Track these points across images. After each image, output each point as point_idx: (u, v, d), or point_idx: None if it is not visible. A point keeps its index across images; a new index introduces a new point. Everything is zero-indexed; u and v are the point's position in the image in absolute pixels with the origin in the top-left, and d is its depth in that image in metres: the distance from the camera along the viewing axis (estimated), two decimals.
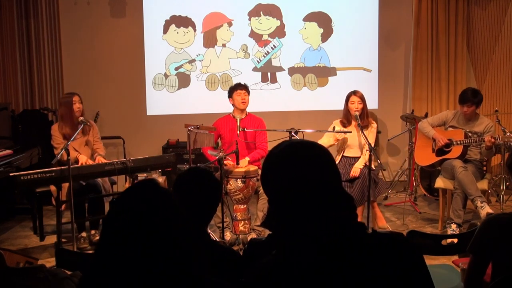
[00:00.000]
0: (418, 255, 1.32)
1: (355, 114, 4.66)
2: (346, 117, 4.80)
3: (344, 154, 4.83)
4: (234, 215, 4.51)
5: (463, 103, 4.72)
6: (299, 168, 1.31)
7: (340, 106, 4.90)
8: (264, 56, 6.68)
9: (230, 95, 4.87)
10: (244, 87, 4.84)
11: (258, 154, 4.83)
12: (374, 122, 4.87)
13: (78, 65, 6.48)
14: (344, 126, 4.79)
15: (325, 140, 4.72)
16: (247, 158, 4.68)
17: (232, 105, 4.88)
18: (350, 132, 4.65)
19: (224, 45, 6.65)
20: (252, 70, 6.69)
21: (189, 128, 4.32)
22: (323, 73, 6.74)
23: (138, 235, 1.30)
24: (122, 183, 5.70)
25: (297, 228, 1.28)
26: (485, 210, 4.27)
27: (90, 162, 4.58)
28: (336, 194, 1.31)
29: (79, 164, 4.47)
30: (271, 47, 6.68)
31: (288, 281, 1.25)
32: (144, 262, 1.30)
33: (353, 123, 4.77)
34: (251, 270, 1.34)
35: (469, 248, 2.21)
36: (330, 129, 4.77)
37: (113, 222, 1.35)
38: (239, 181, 4.44)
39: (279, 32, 6.67)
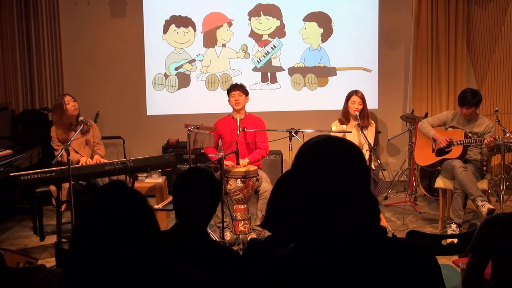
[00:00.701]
0: (436, 267, 1.31)
1: (355, 114, 4.66)
2: (345, 116, 4.80)
3: None
4: (234, 215, 4.51)
5: (463, 104, 4.72)
6: (334, 164, 1.28)
7: (340, 106, 4.90)
8: (264, 56, 6.68)
9: (228, 95, 4.86)
10: (238, 88, 4.80)
11: (258, 154, 4.82)
12: (373, 122, 4.87)
13: (78, 65, 6.48)
14: (343, 124, 4.78)
15: None
16: (247, 160, 4.67)
17: (231, 105, 4.87)
18: (350, 132, 4.65)
19: (224, 45, 6.65)
20: (252, 70, 6.69)
21: (189, 128, 4.32)
22: (323, 73, 6.74)
23: (108, 234, 1.33)
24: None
25: (318, 226, 1.27)
26: (486, 207, 4.28)
27: (90, 161, 4.58)
28: (363, 195, 1.29)
29: (79, 164, 4.47)
30: (271, 47, 6.68)
31: (299, 278, 1.25)
32: (114, 261, 1.32)
33: (352, 122, 4.77)
34: (267, 260, 1.33)
35: (469, 248, 2.21)
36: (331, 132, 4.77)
37: (85, 223, 1.38)
38: (239, 181, 4.44)
39: (279, 32, 6.67)
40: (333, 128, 4.80)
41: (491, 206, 4.28)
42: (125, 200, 1.39)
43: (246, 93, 4.84)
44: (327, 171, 1.27)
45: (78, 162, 4.54)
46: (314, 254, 1.26)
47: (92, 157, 4.73)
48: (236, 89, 4.80)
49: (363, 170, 1.31)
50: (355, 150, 1.32)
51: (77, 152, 4.65)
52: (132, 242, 1.33)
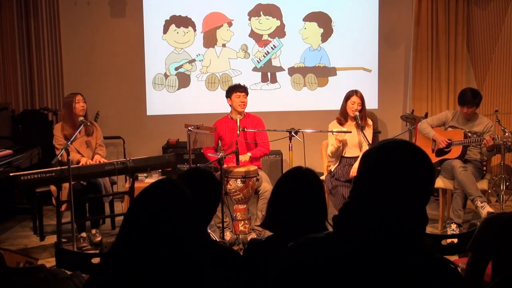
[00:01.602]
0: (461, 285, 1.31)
1: (355, 115, 4.65)
2: (344, 115, 4.79)
3: (343, 155, 4.82)
4: (234, 215, 4.51)
5: (463, 104, 4.72)
6: (402, 168, 1.28)
7: (340, 106, 4.90)
8: (264, 56, 6.68)
9: (228, 95, 4.83)
10: (244, 89, 4.81)
11: (260, 152, 4.82)
12: (370, 123, 4.87)
13: (78, 65, 6.48)
14: (341, 124, 4.78)
15: (332, 143, 4.72)
16: (249, 154, 4.68)
17: (230, 105, 4.86)
18: (350, 132, 4.65)
19: (224, 45, 6.65)
20: (252, 70, 6.69)
21: (189, 128, 4.32)
22: (323, 73, 6.74)
23: (153, 230, 1.41)
24: (122, 183, 5.70)
25: (364, 222, 1.28)
26: (486, 209, 4.27)
27: (90, 162, 4.58)
28: (417, 210, 1.30)
29: (80, 164, 4.47)
30: (271, 47, 6.68)
31: (328, 262, 1.27)
32: (153, 255, 1.39)
33: (350, 122, 4.77)
34: (300, 239, 1.35)
35: (468, 247, 2.21)
36: (330, 134, 4.76)
37: (132, 216, 1.47)
38: (239, 181, 4.44)
39: (279, 32, 6.67)
40: (331, 128, 4.79)
41: (490, 209, 4.27)
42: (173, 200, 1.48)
43: (248, 94, 4.84)
44: (395, 173, 1.28)
45: (78, 162, 4.55)
46: (347, 246, 1.27)
47: (93, 158, 4.73)
48: (242, 91, 4.78)
49: (427, 181, 1.32)
50: (428, 162, 1.33)
51: (78, 152, 4.66)
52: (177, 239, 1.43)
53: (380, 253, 1.25)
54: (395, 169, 1.28)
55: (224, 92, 4.97)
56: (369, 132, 4.77)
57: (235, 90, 4.79)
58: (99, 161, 4.60)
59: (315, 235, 1.34)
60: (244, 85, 4.85)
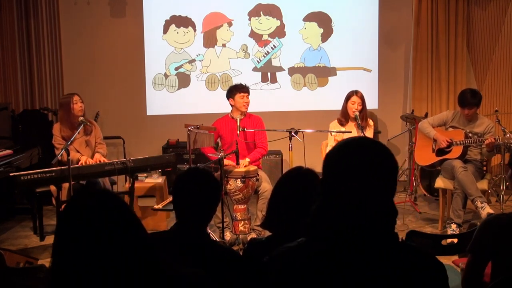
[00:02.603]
0: (443, 274, 1.31)
1: (355, 115, 4.65)
2: (344, 115, 4.79)
3: None
4: (234, 215, 4.51)
5: (464, 105, 4.72)
6: (365, 166, 1.30)
7: (340, 106, 4.90)
8: (264, 56, 6.68)
9: (231, 95, 4.81)
10: (247, 89, 4.79)
11: (258, 154, 4.82)
12: (371, 123, 4.86)
13: (78, 65, 6.48)
14: (342, 125, 4.78)
15: (331, 144, 4.72)
16: (247, 159, 4.67)
17: (232, 105, 4.85)
18: (350, 132, 4.65)
19: (224, 45, 6.65)
20: (252, 70, 6.69)
21: (189, 128, 4.32)
22: (323, 73, 6.73)
23: (93, 240, 1.29)
24: (122, 183, 5.70)
25: (340, 219, 1.28)
26: (486, 210, 4.27)
27: (90, 161, 4.58)
28: (385, 202, 1.32)
29: (80, 164, 4.47)
30: (271, 47, 6.68)
31: (304, 271, 1.25)
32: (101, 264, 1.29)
33: (351, 122, 4.77)
34: (276, 251, 1.34)
35: (468, 248, 2.21)
36: (330, 134, 4.77)
37: (64, 232, 1.34)
38: (238, 181, 4.44)
39: (279, 32, 6.67)
40: (331, 128, 4.80)
41: (490, 210, 4.27)
42: (103, 202, 1.36)
43: (249, 93, 4.84)
44: (359, 171, 1.29)
45: (78, 161, 4.54)
46: (323, 248, 1.26)
47: (93, 157, 4.73)
48: (246, 91, 4.76)
49: (391, 176, 1.33)
50: (390, 157, 1.35)
51: (78, 151, 4.66)
52: (118, 245, 1.31)
53: (358, 251, 1.25)
54: (358, 167, 1.29)
55: (224, 92, 4.96)
56: (370, 133, 4.77)
57: (239, 91, 4.76)
58: (100, 160, 4.60)
59: (288, 245, 1.33)
60: (246, 85, 4.84)
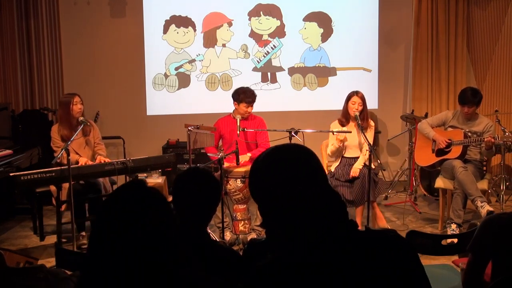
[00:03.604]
0: (411, 251, 1.32)
1: (355, 115, 4.65)
2: (345, 116, 4.79)
3: (343, 155, 4.82)
4: (234, 215, 4.51)
5: (464, 104, 4.72)
6: (285, 170, 1.34)
7: (340, 106, 4.89)
8: (264, 56, 6.68)
9: (236, 100, 4.72)
10: (253, 101, 4.72)
11: (260, 152, 4.80)
12: (372, 123, 4.86)
13: (78, 65, 6.48)
14: (343, 125, 4.78)
15: (332, 142, 4.72)
16: (249, 154, 4.67)
17: (235, 108, 4.83)
18: (350, 132, 4.65)
19: (224, 45, 6.65)
20: (252, 70, 6.69)
21: (189, 128, 4.32)
22: (323, 73, 6.74)
23: (128, 235, 1.32)
24: (122, 183, 5.70)
25: (289, 229, 1.30)
26: (485, 208, 4.28)
27: (90, 163, 4.57)
28: (324, 193, 1.32)
29: (79, 165, 4.47)
30: (271, 47, 6.68)
31: (285, 283, 1.25)
32: (133, 262, 1.32)
33: (352, 123, 4.77)
34: (248, 273, 1.34)
35: (468, 248, 2.21)
36: (331, 134, 4.76)
37: (103, 223, 1.37)
38: (238, 181, 4.44)
39: (279, 32, 6.67)
40: (332, 128, 4.79)
41: (490, 208, 4.28)
42: (145, 200, 1.40)
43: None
44: (283, 175, 1.34)
45: (77, 163, 4.54)
46: (292, 261, 1.27)
47: (92, 158, 4.72)
48: (251, 102, 4.70)
49: (318, 169, 1.37)
50: (306, 152, 1.40)
51: (76, 153, 4.65)
52: (151, 241, 1.34)
53: (325, 252, 1.26)
54: (282, 173, 1.34)
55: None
56: (370, 134, 4.76)
57: (245, 101, 4.68)
58: (101, 161, 4.58)
59: (259, 263, 1.32)
60: (253, 94, 4.74)
